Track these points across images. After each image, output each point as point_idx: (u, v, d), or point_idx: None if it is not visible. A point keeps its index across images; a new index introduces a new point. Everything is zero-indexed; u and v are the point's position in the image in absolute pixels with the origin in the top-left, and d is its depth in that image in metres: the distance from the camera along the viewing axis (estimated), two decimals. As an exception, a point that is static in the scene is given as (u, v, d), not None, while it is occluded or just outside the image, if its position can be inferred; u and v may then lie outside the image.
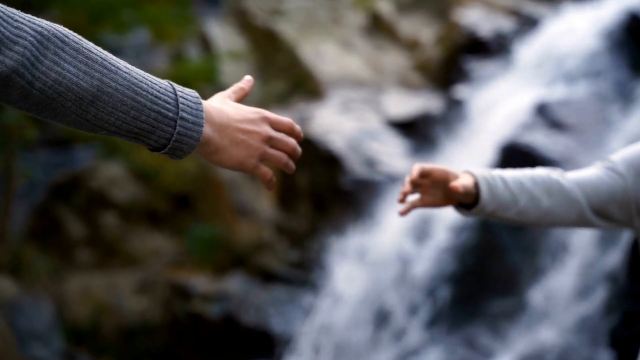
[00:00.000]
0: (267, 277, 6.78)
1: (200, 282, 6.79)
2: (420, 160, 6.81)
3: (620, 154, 1.95)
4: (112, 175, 7.34)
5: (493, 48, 7.38)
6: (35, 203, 7.33)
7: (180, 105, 1.35)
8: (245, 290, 6.69)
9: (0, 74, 1.22)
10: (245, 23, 8.30)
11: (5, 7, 1.25)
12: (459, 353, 5.87)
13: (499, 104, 6.90)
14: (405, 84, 7.59)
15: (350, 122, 6.99)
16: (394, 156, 6.76)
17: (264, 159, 1.45)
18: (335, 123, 6.97)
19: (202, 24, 8.32)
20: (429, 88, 7.49)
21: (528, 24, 7.41)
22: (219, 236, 6.99)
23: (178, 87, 1.38)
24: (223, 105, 1.43)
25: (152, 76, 1.36)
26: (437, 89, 7.43)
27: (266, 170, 1.45)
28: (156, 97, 1.34)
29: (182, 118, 1.35)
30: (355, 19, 8.17)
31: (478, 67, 7.31)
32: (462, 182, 1.89)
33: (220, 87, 7.77)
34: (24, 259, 6.95)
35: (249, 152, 1.42)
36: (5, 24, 1.23)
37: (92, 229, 7.21)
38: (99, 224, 7.23)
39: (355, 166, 6.67)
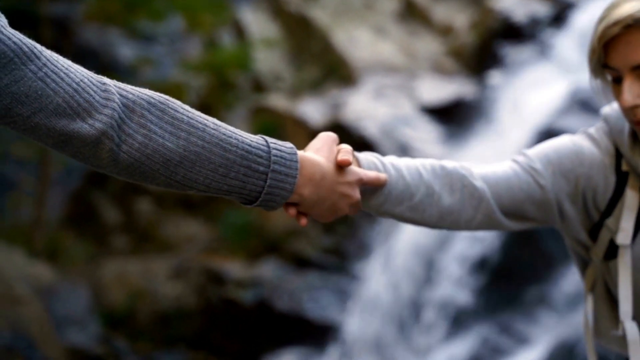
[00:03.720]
0: (301, 263, 6.80)
1: (234, 268, 6.82)
2: (453, 147, 6.79)
3: (537, 149, 1.69)
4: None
5: (528, 33, 7.32)
6: (71, 190, 7.40)
7: (273, 158, 1.34)
8: (279, 276, 6.72)
9: (91, 136, 1.24)
10: (278, 9, 8.30)
11: (91, 73, 1.28)
12: (493, 339, 5.85)
13: (534, 89, 6.85)
14: (439, 70, 7.55)
15: (384, 108, 6.98)
16: (428, 142, 6.74)
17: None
18: (369, 109, 6.96)
19: (235, 11, 8.33)
20: (463, 74, 7.45)
21: (564, 8, 7.35)
22: (252, 222, 7.01)
23: (271, 140, 1.37)
24: (329, 162, 1.42)
25: (243, 132, 1.36)
26: (471, 74, 7.39)
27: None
28: (247, 151, 1.33)
29: (273, 170, 1.34)
30: (389, 4, 8.14)
31: (512, 52, 7.26)
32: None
33: (253, 74, 7.78)
34: (61, 245, 7.03)
35: (333, 212, 1.44)
36: (95, 88, 1.25)
37: (127, 215, 7.27)
38: (134, 211, 7.28)
39: (389, 152, 6.65)
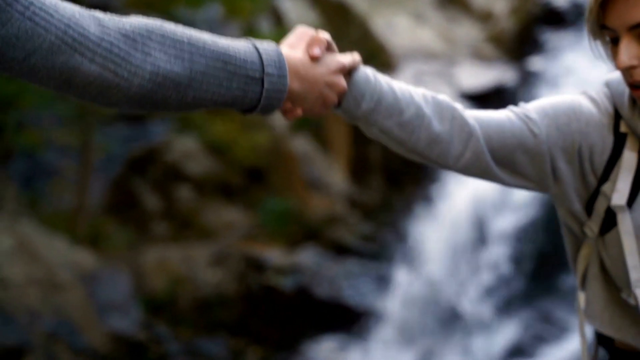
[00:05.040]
0: (340, 250, 6.81)
1: (273, 255, 6.84)
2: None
3: (534, 102, 1.61)
4: (187, 149, 7.42)
5: (569, 18, 7.24)
6: (112, 177, 7.47)
7: (265, 62, 1.35)
8: (318, 263, 6.73)
9: (93, 72, 1.21)
10: (317, -4, 8.28)
11: (81, 7, 1.24)
12: (534, 327, 5.82)
13: (575, 75, 6.78)
14: (479, 56, 7.50)
15: (423, 95, 6.95)
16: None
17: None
18: (408, 96, 6.93)
19: (274, -2, 8.33)
20: (503, 60, 7.39)
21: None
22: (292, 210, 7.03)
23: (258, 44, 1.37)
24: (306, 55, 1.42)
25: (234, 41, 1.36)
26: (511, 60, 7.33)
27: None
28: (244, 61, 1.33)
29: (267, 74, 1.34)
30: (428, -10, 8.09)
31: (553, 38, 7.18)
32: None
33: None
34: (103, 232, 7.09)
35: (322, 103, 1.44)
36: (88, 22, 1.22)
37: (167, 202, 7.32)
38: (174, 198, 7.33)
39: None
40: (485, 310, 6.05)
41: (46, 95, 6.89)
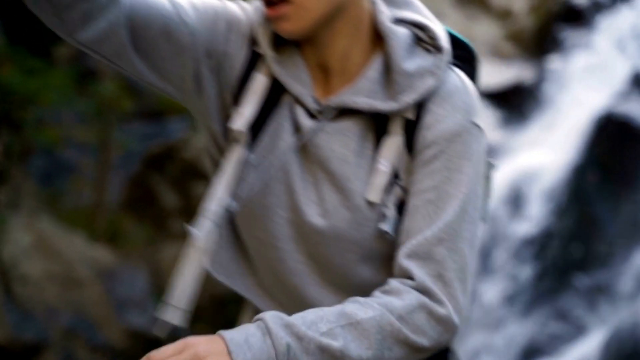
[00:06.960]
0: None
1: (291, 252, 6.85)
2: (511, 132, 6.72)
3: None
4: (204, 146, 7.44)
5: (589, 16, 7.21)
6: (130, 174, 7.50)
7: None
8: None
9: None
10: (335, -6, 8.28)
11: None
12: (550, 326, 5.80)
13: (594, 73, 6.75)
14: (498, 54, 7.48)
15: (441, 93, 6.94)
16: (486, 127, 6.69)
17: None
18: (426, 94, 6.92)
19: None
20: (522, 58, 7.37)
21: (625, -10, 7.22)
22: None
23: None
24: None
25: None
26: (530, 58, 7.30)
27: None
28: None
29: None
30: (447, -12, 8.08)
31: (573, 36, 7.16)
32: None
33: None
34: (121, 229, 7.13)
35: None
36: None
37: (185, 199, 7.34)
38: (192, 195, 7.35)
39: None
40: (502, 306, 6.04)
41: (65, 93, 6.92)
